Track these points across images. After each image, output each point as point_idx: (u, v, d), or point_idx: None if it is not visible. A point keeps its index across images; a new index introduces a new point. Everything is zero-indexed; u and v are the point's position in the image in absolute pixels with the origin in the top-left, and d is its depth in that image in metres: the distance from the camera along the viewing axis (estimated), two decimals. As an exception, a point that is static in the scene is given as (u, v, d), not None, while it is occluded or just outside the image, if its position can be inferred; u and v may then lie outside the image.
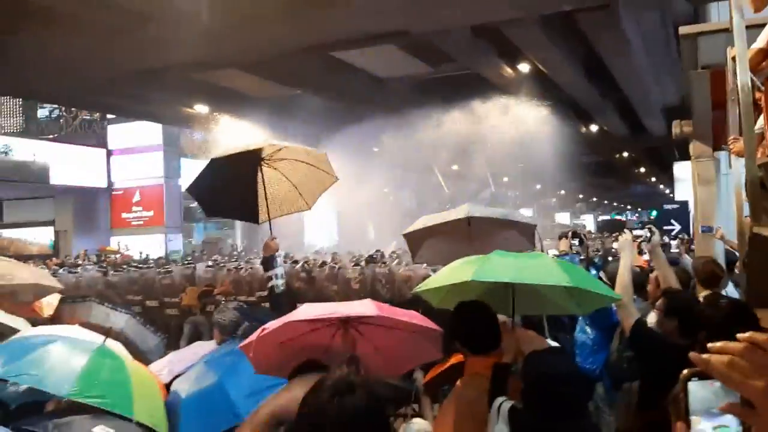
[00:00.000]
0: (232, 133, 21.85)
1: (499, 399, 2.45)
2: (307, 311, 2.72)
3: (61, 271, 13.51)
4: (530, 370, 2.39)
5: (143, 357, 3.75)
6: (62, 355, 2.65)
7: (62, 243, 26.90)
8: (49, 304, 4.44)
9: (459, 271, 2.91)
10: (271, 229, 4.29)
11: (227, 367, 2.99)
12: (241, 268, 12.57)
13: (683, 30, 7.35)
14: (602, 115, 25.18)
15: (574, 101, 22.46)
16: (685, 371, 0.96)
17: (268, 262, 4.17)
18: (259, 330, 2.63)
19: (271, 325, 2.62)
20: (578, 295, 2.93)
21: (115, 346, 3.28)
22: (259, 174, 4.30)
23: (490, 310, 2.74)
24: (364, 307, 2.71)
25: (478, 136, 21.83)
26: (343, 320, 2.68)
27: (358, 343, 2.69)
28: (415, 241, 5.01)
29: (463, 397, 2.62)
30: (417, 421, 3.72)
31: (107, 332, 3.11)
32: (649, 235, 4.06)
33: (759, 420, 0.87)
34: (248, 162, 4.25)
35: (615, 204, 62.99)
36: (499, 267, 2.79)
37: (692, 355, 0.92)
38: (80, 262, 18.93)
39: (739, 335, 0.89)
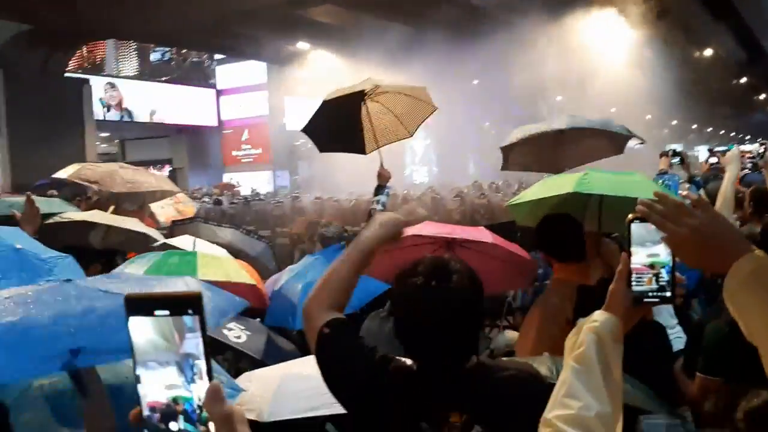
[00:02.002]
0: (333, 69, 22.18)
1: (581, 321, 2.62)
2: (427, 228, 3.04)
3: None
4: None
5: (254, 262, 4.23)
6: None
7: (179, 179, 28.61)
8: (163, 211, 5.09)
9: (555, 185, 3.08)
10: (381, 160, 4.60)
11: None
12: (346, 199, 13.11)
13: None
14: (717, 38, 23.55)
15: (686, 25, 21.11)
16: (629, 215, 1.24)
17: (378, 191, 4.51)
18: None
19: None
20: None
21: (217, 251, 3.83)
22: (363, 109, 4.61)
23: (575, 221, 2.90)
24: (481, 234, 3.00)
25: (584, 66, 21.03)
26: (449, 241, 2.98)
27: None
28: (507, 151, 5.11)
29: (548, 302, 2.83)
30: (509, 332, 4.01)
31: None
32: (762, 150, 4.02)
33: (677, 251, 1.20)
34: (353, 100, 4.57)
35: (732, 134, 58.97)
36: (598, 181, 2.93)
37: (640, 200, 1.20)
38: (198, 196, 20.17)
39: (679, 192, 1.19)
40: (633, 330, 1.31)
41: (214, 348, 2.93)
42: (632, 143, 4.86)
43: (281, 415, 2.37)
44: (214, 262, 3.46)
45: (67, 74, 20.17)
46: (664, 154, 4.98)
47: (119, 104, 26.03)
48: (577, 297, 2.64)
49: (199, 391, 0.85)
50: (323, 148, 4.97)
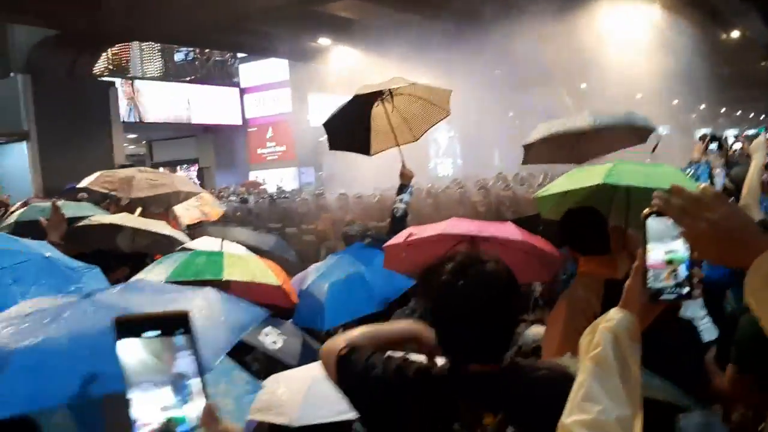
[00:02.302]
0: (356, 64, 22.19)
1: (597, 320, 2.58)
2: (453, 225, 3.06)
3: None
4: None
5: (270, 255, 4.28)
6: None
7: (206, 178, 28.87)
8: (188, 213, 5.22)
9: (582, 177, 3.05)
10: (403, 159, 4.60)
11: (369, 264, 3.44)
12: (371, 195, 13.13)
13: None
14: (744, 19, 23.03)
15: (712, 6, 20.69)
16: (645, 210, 1.21)
17: (401, 189, 4.51)
18: (406, 233, 3.01)
19: (420, 231, 2.99)
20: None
21: (243, 250, 3.88)
22: (375, 109, 4.64)
23: (600, 214, 2.87)
24: (507, 229, 3.00)
25: (607, 52, 20.72)
26: (473, 237, 2.99)
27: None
28: (528, 147, 5.08)
29: (574, 296, 2.80)
30: (535, 327, 3.97)
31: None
32: None
33: (696, 246, 1.18)
34: (369, 99, 4.60)
35: (762, 117, 57.69)
36: (627, 172, 2.90)
37: (656, 193, 1.18)
38: (225, 195, 20.37)
39: (697, 185, 1.15)
40: (660, 326, 1.29)
41: (244, 348, 2.95)
42: (662, 129, 4.77)
43: (312, 420, 2.35)
44: (240, 262, 3.47)
45: (93, 77, 20.44)
46: (701, 138, 4.67)
47: (144, 105, 26.34)
48: (604, 291, 2.61)
49: (193, 410, 0.85)
50: (332, 145, 4.98)
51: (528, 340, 3.84)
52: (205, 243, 4.14)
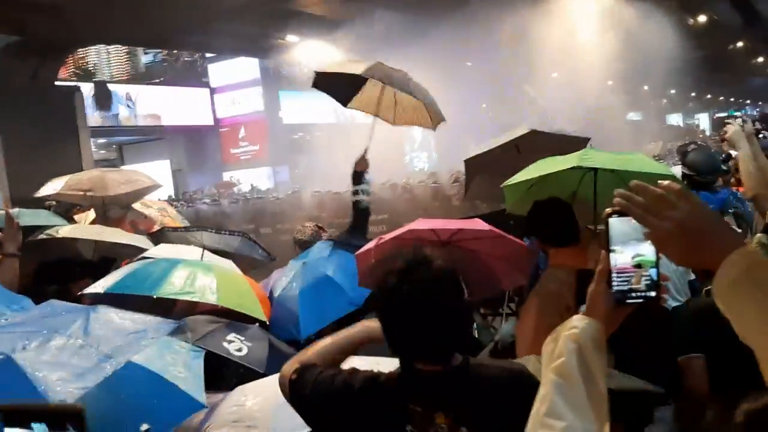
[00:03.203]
0: (325, 60, 22.03)
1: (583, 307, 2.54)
2: (420, 224, 3.00)
3: (178, 205, 14.53)
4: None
5: (234, 257, 4.17)
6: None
7: (179, 181, 28.54)
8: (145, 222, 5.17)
9: (554, 163, 3.01)
10: (367, 149, 4.50)
11: (335, 265, 3.37)
12: (346, 191, 13.05)
13: None
14: (712, 3, 23.30)
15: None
16: (607, 209, 1.12)
17: (358, 177, 4.37)
18: (377, 239, 2.95)
19: (387, 236, 2.93)
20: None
21: (224, 261, 3.76)
22: (373, 80, 4.54)
23: (566, 204, 2.84)
24: (476, 224, 2.95)
25: (576, 40, 20.83)
26: (444, 241, 2.94)
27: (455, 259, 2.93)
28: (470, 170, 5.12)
29: (545, 288, 2.76)
30: (512, 321, 3.93)
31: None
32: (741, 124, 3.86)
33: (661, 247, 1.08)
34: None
35: (732, 99, 58.61)
36: (601, 157, 2.88)
37: (617, 191, 1.09)
38: (198, 197, 20.17)
39: (659, 182, 1.04)
40: (635, 318, 1.23)
41: (216, 363, 2.84)
42: (633, 115, 4.78)
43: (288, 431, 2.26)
44: (231, 284, 3.34)
45: (58, 82, 20.09)
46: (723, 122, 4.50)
47: (112, 108, 25.97)
48: (576, 282, 2.55)
49: None
50: (316, 82, 4.83)
51: (506, 334, 3.78)
52: (173, 251, 3.98)
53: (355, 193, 4.36)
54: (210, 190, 22.86)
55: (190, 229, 4.92)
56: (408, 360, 1.63)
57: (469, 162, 5.10)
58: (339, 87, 4.80)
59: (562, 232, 2.77)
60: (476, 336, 3.60)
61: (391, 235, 2.94)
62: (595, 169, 2.94)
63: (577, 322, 1.17)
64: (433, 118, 4.65)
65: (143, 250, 3.98)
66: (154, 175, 6.14)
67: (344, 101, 4.78)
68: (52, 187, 5.45)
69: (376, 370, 1.69)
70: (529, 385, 1.54)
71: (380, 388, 1.63)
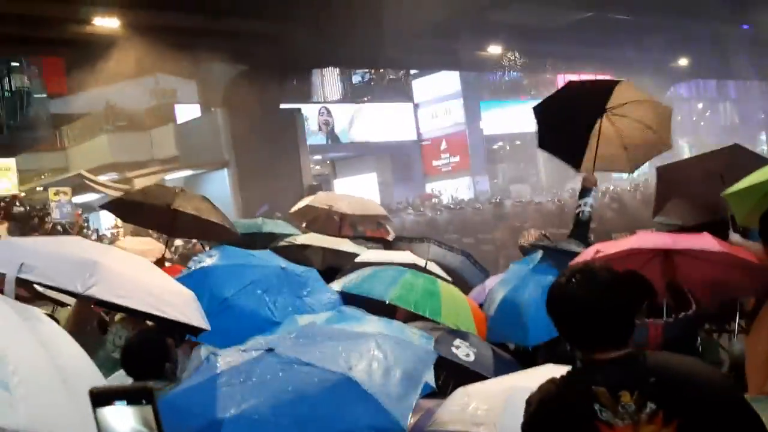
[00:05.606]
0: (526, 69, 21.85)
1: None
2: (644, 239, 3.00)
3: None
4: None
5: (454, 274, 4.39)
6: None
7: (385, 192, 29.85)
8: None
9: None
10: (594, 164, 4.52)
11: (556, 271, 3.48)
12: (548, 201, 12.86)
13: None
14: None
15: None
16: None
17: (585, 192, 4.45)
18: (593, 250, 2.99)
19: (606, 248, 2.96)
20: None
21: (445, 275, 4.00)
22: (598, 124, 4.52)
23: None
24: (705, 243, 2.89)
25: None
26: (666, 251, 2.89)
27: (678, 271, 2.86)
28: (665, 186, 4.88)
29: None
30: (742, 338, 3.67)
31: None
32: None
33: None
34: (593, 105, 4.50)
35: None
36: None
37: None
38: (402, 207, 21.00)
39: None
40: None
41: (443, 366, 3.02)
42: None
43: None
44: (454, 304, 3.53)
45: (281, 105, 22.02)
46: None
47: (329, 127, 28.00)
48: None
49: None
50: (542, 143, 4.92)
51: (736, 351, 3.52)
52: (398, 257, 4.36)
53: (580, 205, 4.42)
54: (414, 201, 23.64)
55: (414, 240, 5.28)
56: (586, 348, 1.77)
57: (663, 173, 4.85)
58: (563, 144, 4.81)
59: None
60: (699, 350, 3.42)
61: (612, 250, 2.93)
62: None
63: None
64: (663, 123, 4.59)
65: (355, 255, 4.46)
66: (363, 188, 7.06)
67: (577, 163, 4.76)
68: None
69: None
70: (735, 392, 1.72)
71: (564, 382, 1.76)
